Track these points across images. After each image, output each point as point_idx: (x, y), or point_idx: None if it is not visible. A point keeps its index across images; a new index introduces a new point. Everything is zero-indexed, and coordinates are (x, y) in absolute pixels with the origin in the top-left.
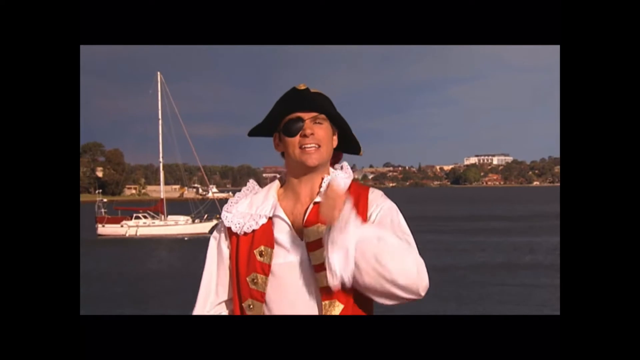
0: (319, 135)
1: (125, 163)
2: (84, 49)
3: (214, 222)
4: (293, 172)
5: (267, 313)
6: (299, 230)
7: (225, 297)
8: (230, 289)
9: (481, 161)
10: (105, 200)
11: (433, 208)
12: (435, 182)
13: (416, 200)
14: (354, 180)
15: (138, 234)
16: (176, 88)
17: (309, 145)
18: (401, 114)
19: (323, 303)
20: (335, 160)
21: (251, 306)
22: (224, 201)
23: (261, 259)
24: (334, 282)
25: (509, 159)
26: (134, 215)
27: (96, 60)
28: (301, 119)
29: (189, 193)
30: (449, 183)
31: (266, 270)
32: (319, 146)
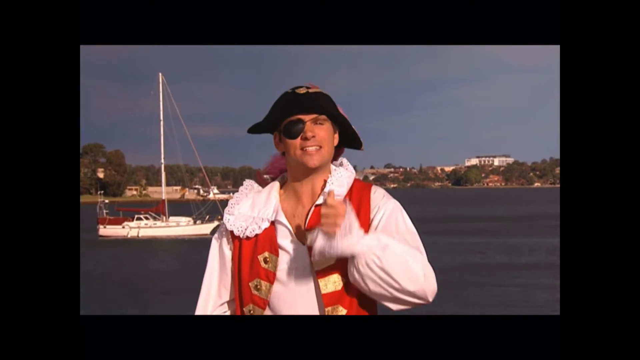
0: (320, 136)
1: (126, 164)
2: (84, 49)
3: (216, 223)
4: (294, 173)
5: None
6: (301, 234)
7: (228, 298)
8: (233, 290)
9: (482, 162)
10: (106, 201)
11: (434, 209)
12: (436, 183)
13: (417, 201)
14: (357, 179)
15: (139, 235)
16: (176, 88)
17: (310, 147)
18: (402, 114)
19: (326, 309)
20: (336, 155)
21: (252, 311)
22: (225, 202)
23: (266, 266)
24: (314, 258)
25: (510, 160)
26: (136, 216)
27: (96, 60)
28: (302, 121)
29: (190, 194)
30: (450, 184)
31: (271, 277)
32: (320, 147)
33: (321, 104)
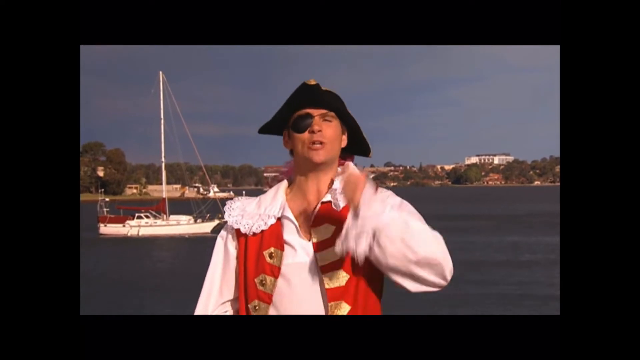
0: (327, 132)
1: (126, 162)
2: (84, 49)
3: (216, 222)
4: (300, 169)
5: (273, 314)
6: (307, 231)
7: (231, 297)
8: (236, 289)
9: (482, 161)
10: (107, 199)
11: (434, 207)
12: (437, 182)
13: (417, 199)
14: None
15: (140, 233)
16: (176, 87)
17: (316, 142)
18: (402, 114)
19: (329, 304)
20: (346, 161)
21: (257, 307)
22: (225, 201)
23: (271, 261)
24: (341, 249)
25: (510, 158)
26: (136, 214)
27: (96, 61)
28: (310, 115)
29: (190, 192)
30: (450, 183)
31: (276, 272)
32: (327, 143)
33: (331, 101)
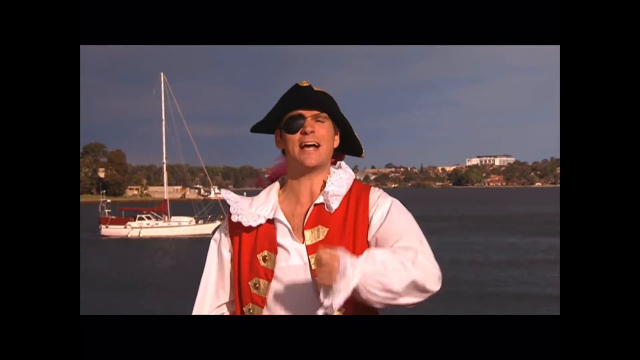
0: (319, 133)
1: (127, 164)
2: (85, 49)
3: (217, 223)
4: (292, 171)
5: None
6: (300, 233)
7: (227, 299)
8: (232, 291)
9: (483, 162)
10: (109, 200)
11: (436, 208)
12: (437, 183)
13: (419, 201)
14: (356, 180)
15: (141, 235)
16: (177, 88)
17: (308, 144)
18: (403, 114)
19: None
20: (337, 160)
21: (251, 310)
22: (226, 202)
23: (264, 264)
24: (325, 304)
25: (511, 159)
26: (138, 216)
27: (96, 61)
28: (302, 116)
29: (191, 194)
30: (451, 184)
31: (269, 275)
32: (319, 145)
33: (323, 102)
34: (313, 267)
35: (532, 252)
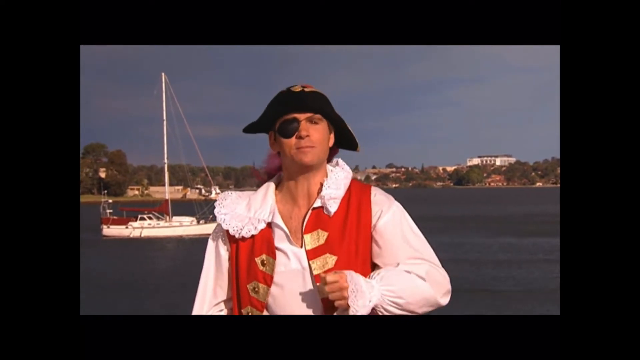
0: (314, 136)
1: (128, 164)
2: (84, 49)
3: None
4: (289, 172)
5: None
6: (298, 237)
7: (224, 297)
8: (229, 289)
9: (484, 162)
10: (110, 201)
11: (436, 208)
12: (438, 183)
13: (420, 201)
14: (354, 179)
15: (143, 235)
16: (177, 88)
17: (304, 146)
18: (403, 114)
19: (325, 313)
20: (331, 155)
21: (250, 313)
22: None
23: (263, 269)
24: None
25: (512, 159)
26: (139, 216)
27: (96, 60)
28: (296, 120)
29: (191, 194)
30: (451, 184)
31: (268, 280)
32: (315, 147)
33: (316, 103)
34: (314, 272)
35: (533, 252)
